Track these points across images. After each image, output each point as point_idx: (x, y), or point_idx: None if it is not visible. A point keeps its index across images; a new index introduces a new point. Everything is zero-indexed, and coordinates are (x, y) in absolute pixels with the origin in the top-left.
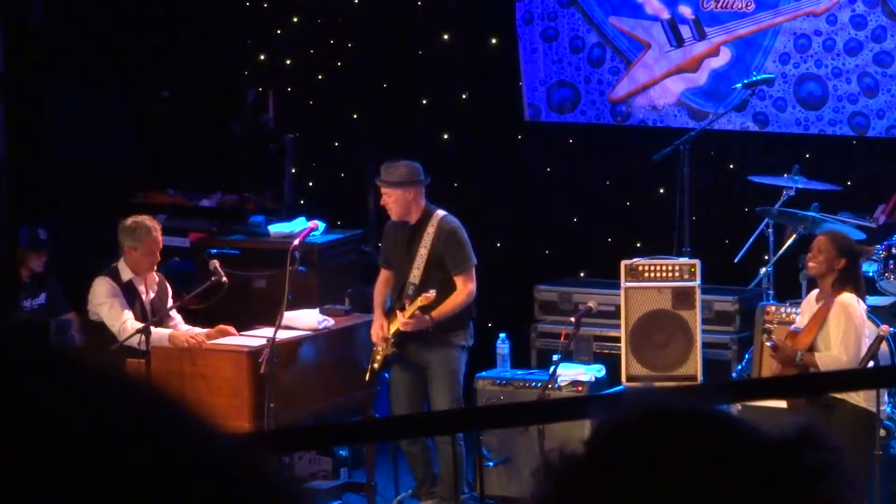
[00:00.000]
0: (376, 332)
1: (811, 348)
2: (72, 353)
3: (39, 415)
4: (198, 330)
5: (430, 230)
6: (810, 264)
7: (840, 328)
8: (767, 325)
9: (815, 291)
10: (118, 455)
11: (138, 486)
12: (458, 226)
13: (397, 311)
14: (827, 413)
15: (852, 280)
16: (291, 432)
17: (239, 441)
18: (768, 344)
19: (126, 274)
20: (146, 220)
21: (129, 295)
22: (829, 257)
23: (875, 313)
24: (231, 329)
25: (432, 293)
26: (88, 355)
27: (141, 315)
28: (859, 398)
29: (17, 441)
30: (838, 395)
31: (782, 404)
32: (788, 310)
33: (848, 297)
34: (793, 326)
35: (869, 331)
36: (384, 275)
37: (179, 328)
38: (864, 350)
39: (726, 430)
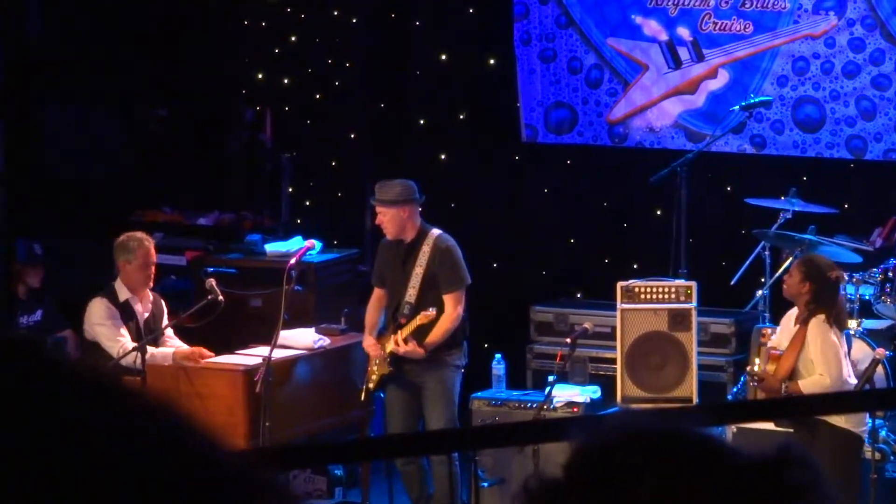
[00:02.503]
0: (372, 351)
1: (793, 373)
2: (75, 365)
3: (42, 423)
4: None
5: (426, 249)
6: (783, 286)
7: (818, 350)
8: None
9: (795, 309)
10: (120, 465)
11: (144, 499)
12: (453, 245)
13: (393, 331)
14: (810, 435)
15: (826, 304)
16: (286, 450)
17: (242, 456)
18: (752, 379)
19: (123, 293)
20: (138, 233)
21: (126, 314)
22: (794, 282)
23: (871, 336)
24: (206, 353)
25: (432, 311)
26: (92, 368)
27: (136, 334)
28: (840, 420)
29: (20, 451)
30: (820, 417)
31: (771, 426)
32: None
33: (819, 319)
34: (770, 345)
35: (864, 354)
36: (377, 294)
37: (174, 346)
38: (846, 369)
39: (706, 451)
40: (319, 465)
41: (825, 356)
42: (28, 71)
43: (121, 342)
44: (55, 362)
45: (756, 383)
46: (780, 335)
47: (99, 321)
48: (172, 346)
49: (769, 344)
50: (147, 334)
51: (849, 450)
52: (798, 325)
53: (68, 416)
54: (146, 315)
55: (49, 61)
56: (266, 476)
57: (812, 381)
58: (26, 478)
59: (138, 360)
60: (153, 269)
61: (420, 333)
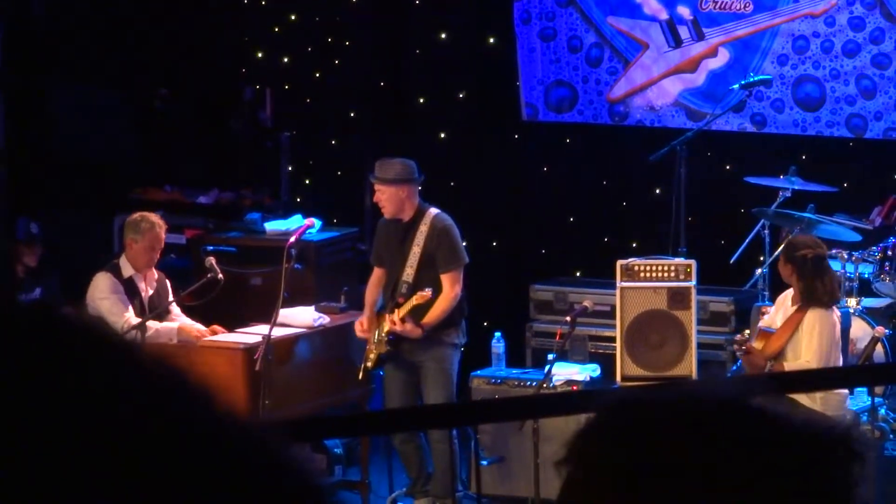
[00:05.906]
0: (358, 328)
1: (780, 353)
2: (92, 327)
3: (62, 385)
4: (199, 326)
5: (424, 228)
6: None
7: (812, 337)
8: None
9: (791, 290)
10: (140, 428)
11: (177, 471)
12: (450, 224)
13: (390, 310)
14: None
15: (813, 283)
16: (286, 424)
17: (259, 425)
18: (739, 347)
19: (127, 270)
20: (153, 216)
21: (130, 291)
22: (781, 265)
23: (870, 315)
24: (221, 329)
25: (428, 291)
26: (108, 331)
27: (140, 312)
28: (815, 404)
29: (55, 417)
30: (797, 399)
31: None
32: None
33: (819, 309)
34: (762, 324)
35: (864, 332)
36: (376, 273)
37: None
38: (834, 359)
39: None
40: (319, 438)
41: (819, 347)
42: (31, 49)
43: (125, 317)
44: (72, 324)
45: (741, 352)
46: (775, 314)
47: (103, 295)
48: (178, 321)
49: (761, 321)
50: (150, 312)
51: None
52: (795, 307)
53: (83, 378)
54: (150, 292)
55: (52, 40)
56: (285, 446)
57: (797, 367)
58: (46, 439)
59: (138, 337)
60: (159, 252)
61: (417, 313)
